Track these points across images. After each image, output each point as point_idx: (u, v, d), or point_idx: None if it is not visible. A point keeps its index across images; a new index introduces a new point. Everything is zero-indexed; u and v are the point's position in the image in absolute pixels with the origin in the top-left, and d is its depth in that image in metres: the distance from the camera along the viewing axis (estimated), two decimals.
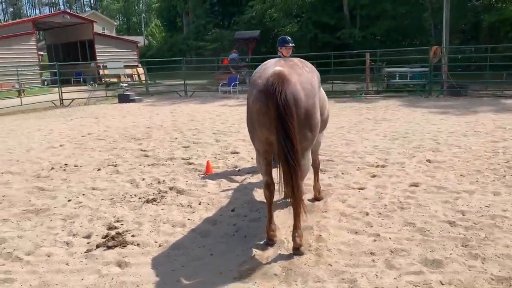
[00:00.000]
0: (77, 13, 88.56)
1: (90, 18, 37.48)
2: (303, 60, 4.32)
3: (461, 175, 6.19)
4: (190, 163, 7.56)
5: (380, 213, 4.91)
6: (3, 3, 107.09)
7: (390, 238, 4.26)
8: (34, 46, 28.27)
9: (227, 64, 24.86)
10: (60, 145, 9.72)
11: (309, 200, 5.45)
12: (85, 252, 4.23)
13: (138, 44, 36.40)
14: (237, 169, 7.08)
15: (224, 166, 7.32)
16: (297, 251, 3.97)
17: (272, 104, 3.68)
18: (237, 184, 6.26)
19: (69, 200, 5.84)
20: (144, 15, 73.64)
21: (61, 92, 18.96)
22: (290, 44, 6.43)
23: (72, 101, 19.14)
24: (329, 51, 24.03)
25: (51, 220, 5.14)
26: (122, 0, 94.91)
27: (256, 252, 4.08)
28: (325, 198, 5.48)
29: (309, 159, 4.08)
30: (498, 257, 3.77)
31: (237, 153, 8.19)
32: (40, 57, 31.90)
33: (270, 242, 4.23)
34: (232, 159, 7.78)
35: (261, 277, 3.61)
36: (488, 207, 4.93)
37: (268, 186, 4.11)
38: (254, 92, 3.92)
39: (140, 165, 7.58)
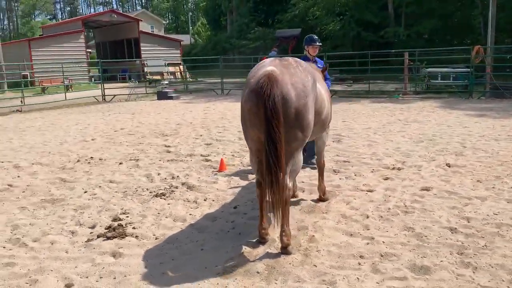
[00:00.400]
0: (128, 11, 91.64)
1: (137, 17, 38.67)
2: (298, 59, 4.31)
3: (478, 181, 5.94)
4: (207, 160, 7.70)
5: (381, 217, 4.81)
6: (61, 3, 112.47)
7: (383, 242, 4.18)
8: (83, 43, 29.59)
9: None
10: (92, 139, 10.16)
11: (313, 200, 5.44)
12: (85, 242, 4.44)
13: (181, 43, 37.22)
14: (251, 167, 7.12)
15: (240, 164, 7.40)
16: (284, 250, 3.99)
17: (261, 105, 3.72)
18: (247, 182, 6.32)
19: (85, 192, 6.12)
20: (191, 13, 74.97)
21: (103, 88, 19.73)
22: (317, 43, 6.51)
23: (113, 97, 19.88)
24: (372, 50, 23.57)
25: (64, 210, 5.41)
26: None
27: (245, 249, 4.13)
28: (330, 199, 5.43)
29: (300, 159, 4.07)
30: (492, 267, 3.62)
31: None
32: (88, 54, 33.35)
33: (262, 240, 4.26)
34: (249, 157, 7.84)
35: (243, 274, 3.65)
36: (497, 214, 4.72)
37: (260, 185, 4.14)
38: (246, 91, 3.97)
39: (160, 161, 7.81)
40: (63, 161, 8.02)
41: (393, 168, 6.75)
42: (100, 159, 8.06)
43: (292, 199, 5.46)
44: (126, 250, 4.20)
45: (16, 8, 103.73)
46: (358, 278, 3.53)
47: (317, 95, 4.27)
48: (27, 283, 3.62)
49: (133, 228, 4.75)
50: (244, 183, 6.31)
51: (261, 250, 4.12)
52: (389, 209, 5.03)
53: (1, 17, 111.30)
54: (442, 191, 5.57)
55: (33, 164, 7.85)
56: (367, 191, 5.74)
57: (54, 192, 6.14)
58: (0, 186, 6.47)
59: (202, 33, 62.34)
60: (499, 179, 5.97)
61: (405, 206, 5.11)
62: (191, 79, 27.16)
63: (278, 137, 3.68)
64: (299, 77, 3.95)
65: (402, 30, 31.15)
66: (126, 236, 4.54)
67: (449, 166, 6.71)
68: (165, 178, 6.66)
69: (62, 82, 24.47)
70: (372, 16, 32.24)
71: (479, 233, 4.28)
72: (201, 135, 10.18)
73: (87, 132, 11.20)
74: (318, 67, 6.54)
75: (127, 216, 5.12)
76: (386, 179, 6.24)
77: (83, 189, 6.25)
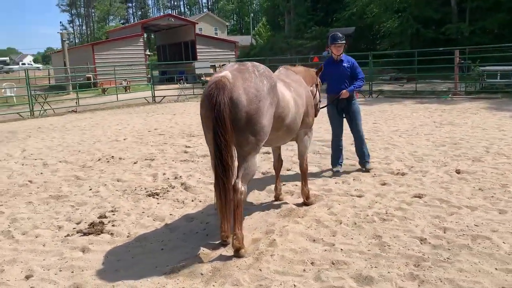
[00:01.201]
0: (194, 14, 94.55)
1: (193, 20, 39.83)
2: (256, 64, 4.30)
3: (479, 189, 5.57)
4: None
5: (355, 223, 4.68)
6: (133, 7, 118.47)
7: (342, 249, 4.07)
8: (142, 47, 31.06)
9: (317, 62, 24.69)
10: (124, 139, 10.71)
11: (297, 204, 5.38)
12: (64, 236, 4.75)
13: (243, 44, 37.79)
14: (261, 170, 7.15)
15: None
16: (236, 253, 4.02)
17: (210, 111, 3.79)
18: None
19: (90, 189, 6.51)
20: (252, 15, 75.79)
21: (154, 90, 20.62)
22: (339, 41, 6.37)
23: (163, 98, 20.69)
24: (432, 47, 22.49)
25: (62, 206, 5.81)
26: (237, 1, 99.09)
27: (203, 250, 4.21)
28: (314, 204, 5.36)
29: (254, 163, 4.06)
30: (440, 281, 3.42)
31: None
32: (147, 56, 34.92)
33: (223, 242, 4.32)
34: (267, 159, 7.88)
35: (187, 275, 3.73)
36: (478, 226, 4.42)
37: (215, 188, 4.19)
38: (202, 95, 4.06)
39: (172, 161, 8.08)
40: (86, 159, 8.54)
41: (397, 173, 6.49)
42: (119, 158, 8.49)
43: (276, 202, 5.48)
44: (96, 247, 4.44)
45: (93, 14, 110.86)
46: (294, 285, 3.49)
47: (278, 100, 4.24)
48: None
49: (112, 225, 5.01)
50: None
51: (218, 252, 4.18)
52: (367, 215, 4.87)
53: (80, 23, 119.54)
54: (434, 199, 5.28)
55: (60, 162, 8.44)
56: (357, 196, 5.59)
57: (63, 189, 6.58)
58: (21, 182, 7.05)
59: (263, 34, 62.79)
60: (504, 188, 5.55)
61: (386, 213, 4.92)
62: None
63: (222, 143, 3.74)
64: (252, 82, 3.96)
65: (465, 26, 29.37)
66: (102, 233, 4.80)
67: (458, 173, 6.32)
68: (168, 178, 6.90)
69: (121, 84, 25.92)
70: (432, 12, 30.69)
71: (448, 245, 4.04)
72: None
73: (123, 132, 11.80)
74: (343, 66, 6.48)
75: (113, 214, 5.39)
76: (383, 184, 6.03)
77: (89, 186, 6.65)
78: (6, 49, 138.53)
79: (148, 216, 5.25)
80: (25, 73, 16.58)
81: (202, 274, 3.74)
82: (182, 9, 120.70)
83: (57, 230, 4.96)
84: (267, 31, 60.91)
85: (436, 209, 4.98)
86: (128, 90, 24.69)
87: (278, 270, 3.74)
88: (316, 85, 5.82)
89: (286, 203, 5.44)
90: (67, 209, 5.66)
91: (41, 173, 7.60)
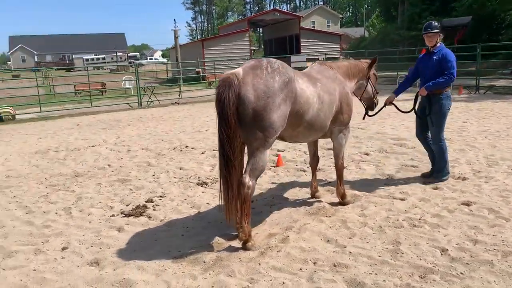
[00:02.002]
0: (309, 7, 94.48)
1: (299, 14, 39.84)
2: (273, 60, 4.28)
3: None
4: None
5: (380, 227, 4.46)
6: (251, 3, 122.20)
7: (350, 252, 3.94)
8: (247, 42, 32.07)
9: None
10: (206, 130, 11.31)
11: (332, 203, 5.27)
12: (109, 216, 5.28)
13: (355, 36, 36.88)
14: (297, 165, 7.12)
15: (293, 162, 7.45)
16: (243, 245, 4.12)
17: (216, 107, 3.96)
18: (290, 179, 6.40)
19: (153, 175, 7.07)
20: (366, 6, 73.29)
21: None
22: (430, 31, 5.66)
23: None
24: None
25: (123, 189, 6.42)
26: None
27: (218, 240, 4.36)
28: (351, 203, 5.20)
29: (262, 159, 4.09)
30: None
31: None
32: (252, 51, 35.91)
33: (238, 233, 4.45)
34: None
35: (191, 261, 3.94)
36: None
37: None
38: None
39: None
40: (164, 147, 9.24)
41: (458, 178, 5.96)
42: (192, 148, 9.02)
43: (310, 200, 5.43)
44: (130, 228, 4.88)
45: (213, 10, 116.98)
46: (283, 282, 3.49)
47: (296, 96, 4.21)
48: (42, 242, 4.58)
49: (153, 209, 5.43)
50: (287, 179, 6.41)
51: (231, 243, 4.32)
52: (397, 220, 4.60)
53: (202, 20, 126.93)
54: (483, 208, 4.79)
55: (142, 149, 9.25)
56: (399, 199, 5.29)
57: (131, 174, 7.24)
58: (101, 165, 7.91)
59: (377, 25, 60.51)
60: None
61: (420, 219, 4.59)
62: None
63: (224, 138, 3.89)
64: (262, 78, 3.99)
65: None
66: (142, 216, 5.23)
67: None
68: None
69: None
70: None
71: (470, 259, 3.68)
72: None
73: (208, 124, 12.43)
74: (433, 59, 5.63)
75: (160, 199, 5.82)
76: (435, 188, 5.59)
77: (154, 173, 7.22)
78: (141, 45, 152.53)
79: (187, 204, 5.58)
80: (135, 67, 18.19)
81: (204, 262, 3.91)
82: (298, 2, 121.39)
83: (108, 210, 5.52)
84: (380, 22, 58.56)
85: (478, 219, 4.51)
86: (210, 85, 25.89)
87: (276, 266, 3.76)
88: (368, 78, 5.58)
89: (320, 201, 5.36)
90: (125, 192, 6.24)
91: (121, 158, 8.42)
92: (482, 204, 4.92)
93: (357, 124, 10.15)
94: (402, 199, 5.27)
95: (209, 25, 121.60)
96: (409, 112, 6.14)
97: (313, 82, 4.58)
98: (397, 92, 6.09)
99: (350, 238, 4.27)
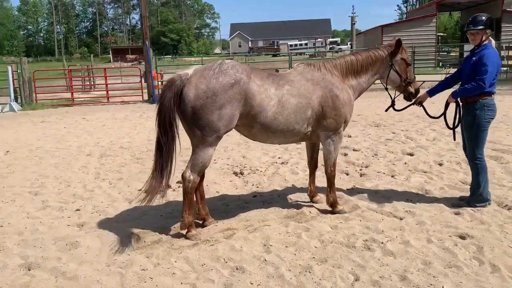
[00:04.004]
0: None
1: None
2: (228, 61, 4.32)
3: None
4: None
5: (332, 242, 4.16)
6: None
7: (266, 260, 3.87)
8: (434, 27, 29.18)
9: None
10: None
11: (323, 210, 5.04)
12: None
13: None
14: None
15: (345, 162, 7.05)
16: (186, 234, 4.44)
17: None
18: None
19: (217, 158, 7.69)
20: None
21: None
22: (472, 28, 4.78)
23: (422, 83, 19.45)
24: None
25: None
26: None
27: (175, 226, 4.72)
28: (345, 213, 4.91)
29: (201, 156, 4.24)
30: None
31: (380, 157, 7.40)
32: (439, 38, 32.49)
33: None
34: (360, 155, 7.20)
35: (136, 239, 4.45)
36: None
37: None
38: None
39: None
40: None
41: (504, 206, 4.89)
42: None
43: (303, 203, 5.31)
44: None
45: None
46: (173, 273, 3.73)
47: (246, 98, 4.22)
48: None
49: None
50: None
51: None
52: (357, 239, 4.21)
53: (414, 2, 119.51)
54: (472, 245, 3.94)
55: None
56: (399, 218, 4.74)
57: (220, 151, 7.99)
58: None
59: None
60: None
61: (382, 243, 4.09)
62: None
63: (157, 135, 4.28)
64: (206, 79, 4.15)
65: None
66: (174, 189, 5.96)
67: None
68: (275, 162, 7.29)
69: None
70: None
71: None
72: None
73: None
74: (472, 60, 4.78)
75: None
76: (457, 214, 4.75)
77: (221, 156, 7.79)
78: (343, 31, 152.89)
79: (210, 189, 5.98)
80: (289, 55, 18.95)
81: (144, 242, 4.39)
82: None
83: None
84: None
85: (446, 256, 3.77)
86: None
87: (188, 258, 3.98)
88: (391, 65, 4.98)
89: (312, 206, 5.17)
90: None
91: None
92: (478, 239, 4.03)
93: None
94: (400, 218, 4.70)
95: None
96: (437, 118, 5.33)
97: (278, 85, 4.47)
98: (431, 92, 5.23)
99: (286, 247, 4.13)
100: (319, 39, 74.68)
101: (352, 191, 5.65)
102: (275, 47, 79.32)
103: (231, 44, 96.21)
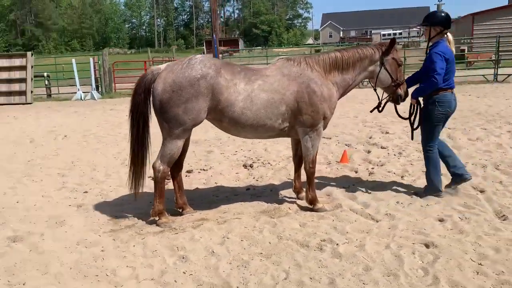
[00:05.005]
0: None
1: None
2: (199, 56, 4.45)
3: None
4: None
5: (281, 238, 4.13)
6: None
7: (215, 252, 3.97)
8: None
9: None
10: (353, 116, 10.93)
11: (302, 207, 4.99)
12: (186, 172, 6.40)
13: None
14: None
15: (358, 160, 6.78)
16: (157, 221, 4.68)
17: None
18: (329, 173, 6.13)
19: (242, 149, 7.85)
20: None
21: (497, 67, 18.04)
22: (425, 24, 4.95)
23: (507, 76, 17.74)
24: None
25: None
26: None
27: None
28: (325, 211, 4.83)
29: (169, 148, 4.41)
30: None
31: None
32: None
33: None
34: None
35: (115, 222, 4.79)
36: None
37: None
38: None
39: (324, 143, 8.14)
40: None
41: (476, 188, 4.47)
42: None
43: (288, 198, 5.29)
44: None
45: None
46: (124, 256, 3.98)
47: (213, 92, 4.32)
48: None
49: (198, 172, 6.45)
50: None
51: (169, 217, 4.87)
52: (309, 237, 4.14)
53: None
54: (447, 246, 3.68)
55: None
56: (372, 218, 4.56)
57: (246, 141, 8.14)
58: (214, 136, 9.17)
59: None
60: None
61: (337, 245, 3.97)
62: None
63: (129, 126, 4.57)
64: (174, 73, 4.32)
65: None
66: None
67: None
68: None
69: (490, 58, 23.50)
70: None
71: None
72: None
73: (359, 109, 11.93)
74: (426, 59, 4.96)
75: (209, 169, 6.67)
76: (442, 218, 4.43)
77: (246, 147, 7.96)
78: None
79: (212, 181, 6.16)
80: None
81: (120, 225, 4.70)
82: None
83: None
84: None
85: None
86: (469, 65, 22.34)
87: (146, 243, 4.19)
88: (382, 64, 4.82)
89: (294, 202, 5.14)
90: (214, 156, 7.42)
91: None
92: (440, 250, 3.73)
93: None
94: (376, 221, 4.53)
95: None
96: (406, 119, 5.22)
97: (250, 80, 4.50)
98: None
99: (242, 241, 4.19)
100: (414, 29, 70.61)
101: (348, 190, 5.49)
102: (368, 36, 76.58)
103: (321, 34, 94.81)
